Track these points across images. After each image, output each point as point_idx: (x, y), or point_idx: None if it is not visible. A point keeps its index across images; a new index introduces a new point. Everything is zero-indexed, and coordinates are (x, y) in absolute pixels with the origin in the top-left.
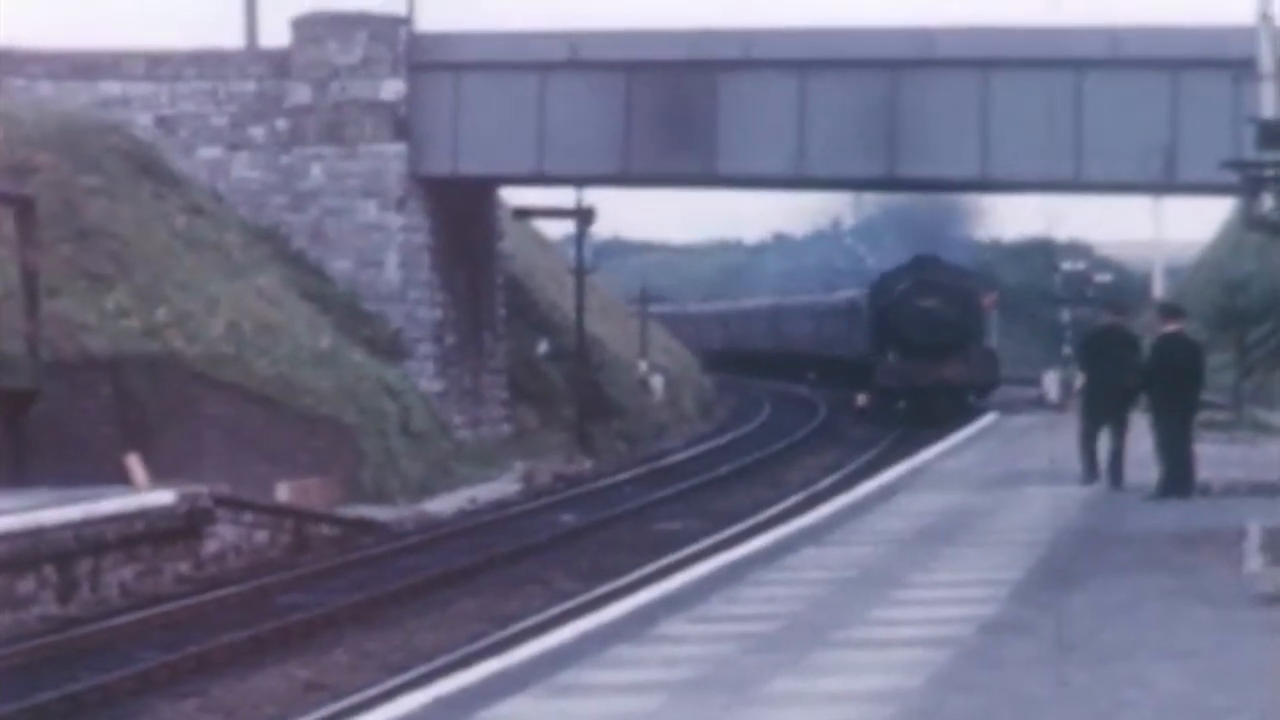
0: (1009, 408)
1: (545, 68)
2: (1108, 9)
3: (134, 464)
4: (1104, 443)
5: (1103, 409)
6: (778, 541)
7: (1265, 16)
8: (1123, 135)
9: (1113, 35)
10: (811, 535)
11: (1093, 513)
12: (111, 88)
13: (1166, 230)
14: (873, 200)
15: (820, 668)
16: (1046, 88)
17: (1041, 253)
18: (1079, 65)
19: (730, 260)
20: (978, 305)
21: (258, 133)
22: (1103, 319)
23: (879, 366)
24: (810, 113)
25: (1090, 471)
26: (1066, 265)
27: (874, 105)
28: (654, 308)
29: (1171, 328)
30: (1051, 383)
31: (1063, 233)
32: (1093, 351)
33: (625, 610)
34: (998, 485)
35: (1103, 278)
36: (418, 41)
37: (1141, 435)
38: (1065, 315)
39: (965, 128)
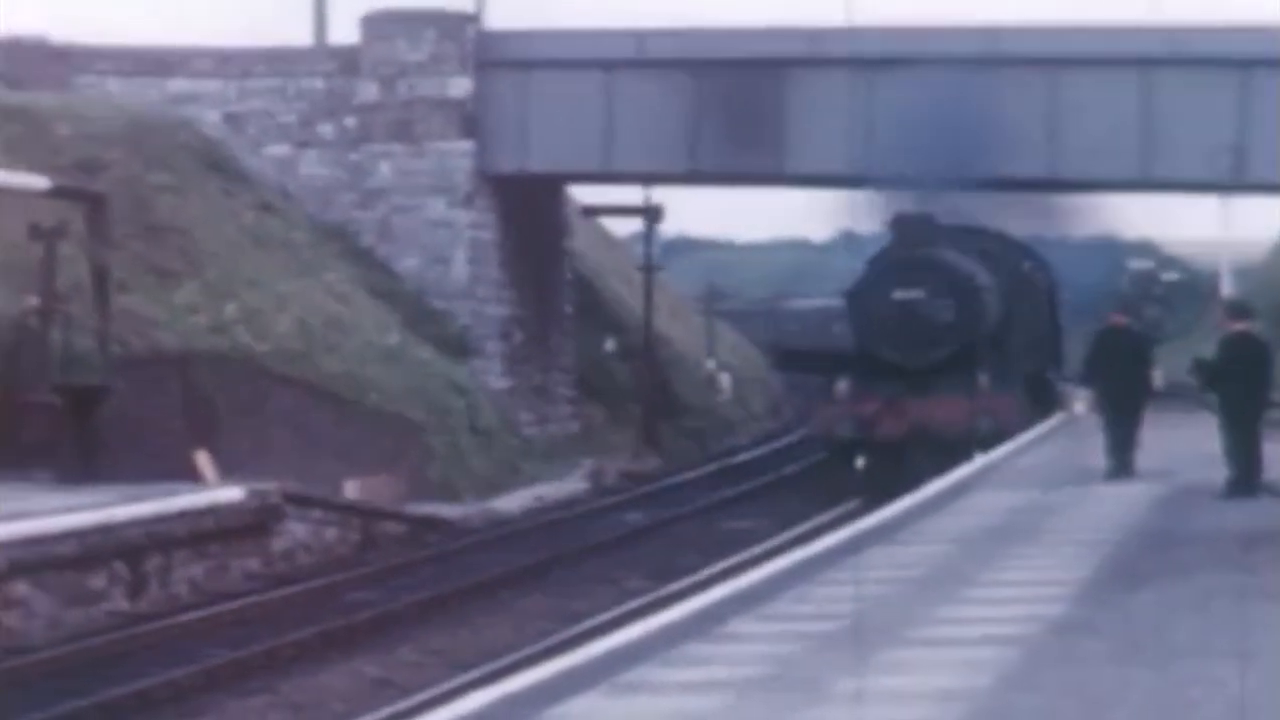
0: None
1: (612, 65)
2: (1177, 7)
3: (203, 460)
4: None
5: (1115, 405)
6: (847, 541)
7: None
8: (1191, 134)
9: (1180, 34)
10: (881, 534)
11: (1161, 512)
12: (180, 85)
13: (1234, 229)
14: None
15: (888, 666)
16: (1114, 86)
17: (1109, 251)
18: (1147, 63)
19: (798, 258)
20: (1029, 294)
21: (326, 130)
22: (1109, 319)
23: (820, 403)
24: (878, 110)
25: (1112, 467)
26: (1134, 264)
27: (942, 104)
28: (721, 306)
29: (1239, 327)
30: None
31: (1130, 231)
32: (1101, 351)
33: (694, 608)
34: (1067, 483)
35: (1170, 276)
36: (486, 39)
37: (1212, 434)
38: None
39: (1033, 126)
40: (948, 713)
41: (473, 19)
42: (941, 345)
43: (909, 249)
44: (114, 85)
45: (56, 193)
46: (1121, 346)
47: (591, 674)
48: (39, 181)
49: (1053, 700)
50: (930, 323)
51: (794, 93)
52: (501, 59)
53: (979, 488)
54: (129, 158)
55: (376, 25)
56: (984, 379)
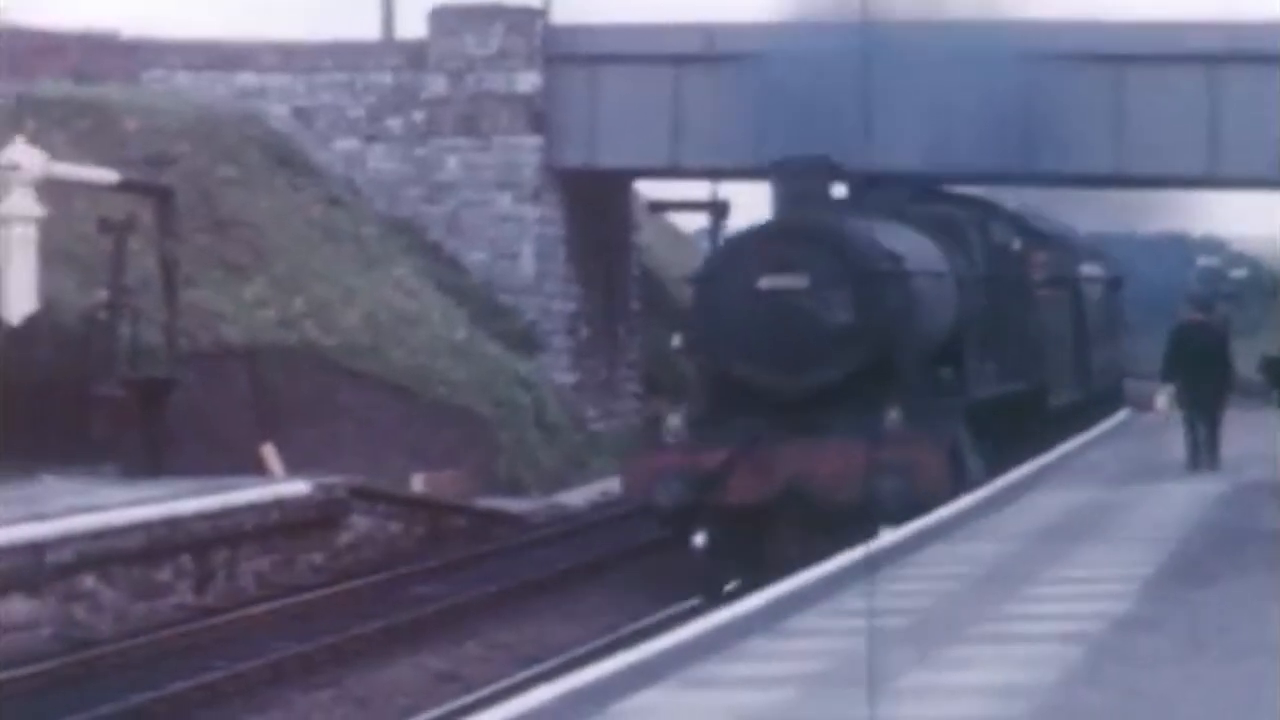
0: (1143, 403)
1: (681, 60)
2: (1243, 3)
3: (269, 454)
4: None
5: (1194, 401)
6: (910, 537)
7: None
8: (1256, 130)
9: (1245, 30)
10: (943, 531)
11: (1227, 509)
12: (249, 79)
13: None
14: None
15: (952, 662)
16: (1180, 83)
17: (1177, 247)
18: (1212, 60)
19: None
20: (1019, 288)
21: (394, 124)
22: (1186, 314)
23: (640, 449)
24: (947, 105)
25: (1193, 460)
26: (1202, 260)
27: (1011, 100)
28: None
29: None
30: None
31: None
32: (1179, 347)
33: (758, 604)
34: (1131, 480)
35: (1238, 273)
36: (554, 34)
37: None
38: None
39: (1100, 123)
40: (1012, 709)
41: (540, 13)
42: (831, 361)
43: (792, 213)
44: (183, 79)
45: (125, 186)
46: (1199, 342)
47: (657, 669)
48: (108, 175)
49: (1117, 697)
50: (815, 326)
51: (862, 87)
52: (570, 53)
53: (1043, 485)
54: (197, 152)
55: (444, 19)
56: (894, 415)
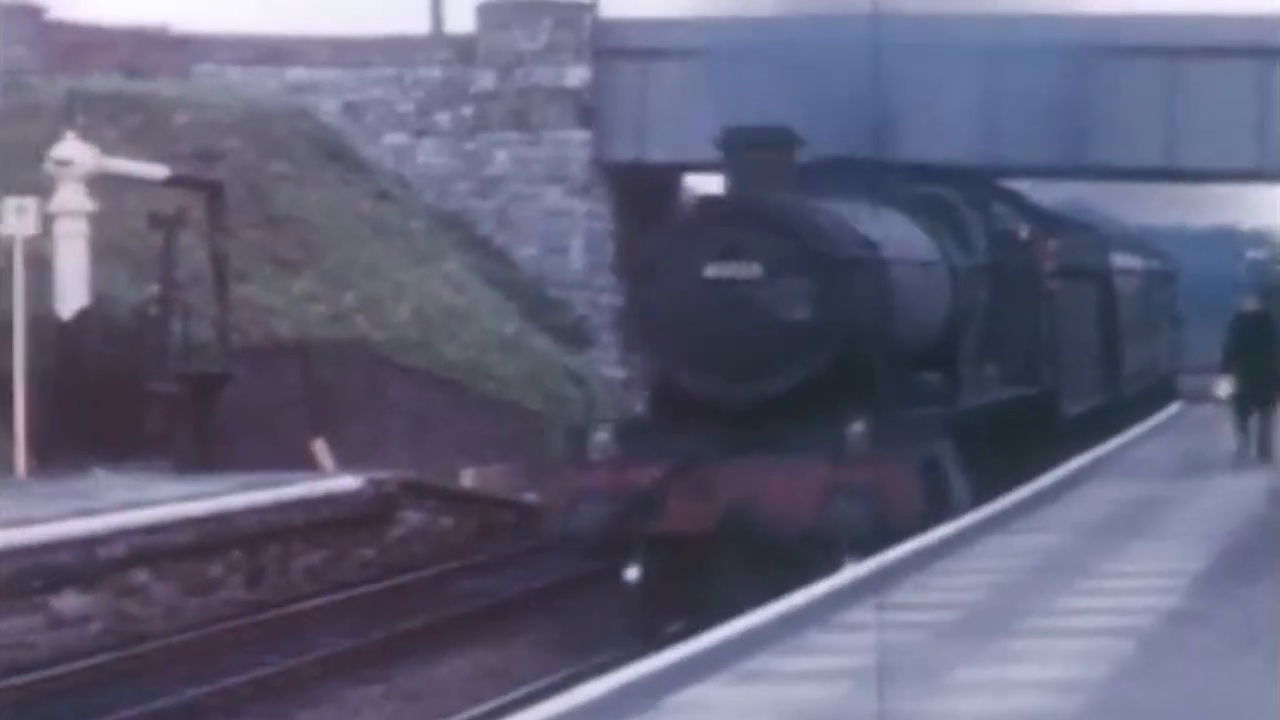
0: (1196, 396)
1: (730, 54)
2: None
3: (320, 449)
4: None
5: (1248, 392)
6: (963, 530)
7: None
8: None
9: None
10: (997, 524)
11: (1278, 504)
12: (299, 74)
13: None
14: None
15: (1005, 656)
16: (1230, 76)
17: (1226, 241)
18: (1262, 53)
19: None
20: (1026, 280)
21: (443, 119)
22: (1246, 304)
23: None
24: (997, 99)
25: (1242, 454)
26: (1250, 253)
27: (1061, 92)
28: None
29: None
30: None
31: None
32: (1237, 336)
33: (812, 596)
34: (1183, 474)
35: None
36: (603, 27)
37: None
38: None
39: (1151, 116)
40: (1065, 703)
41: (589, 7)
42: (786, 364)
43: (745, 191)
44: (234, 74)
45: (175, 181)
46: (1256, 333)
47: (710, 662)
48: (159, 170)
49: (1169, 692)
50: (767, 323)
51: (913, 79)
52: (619, 48)
53: (1095, 478)
54: (247, 147)
55: (493, 14)
56: (858, 429)
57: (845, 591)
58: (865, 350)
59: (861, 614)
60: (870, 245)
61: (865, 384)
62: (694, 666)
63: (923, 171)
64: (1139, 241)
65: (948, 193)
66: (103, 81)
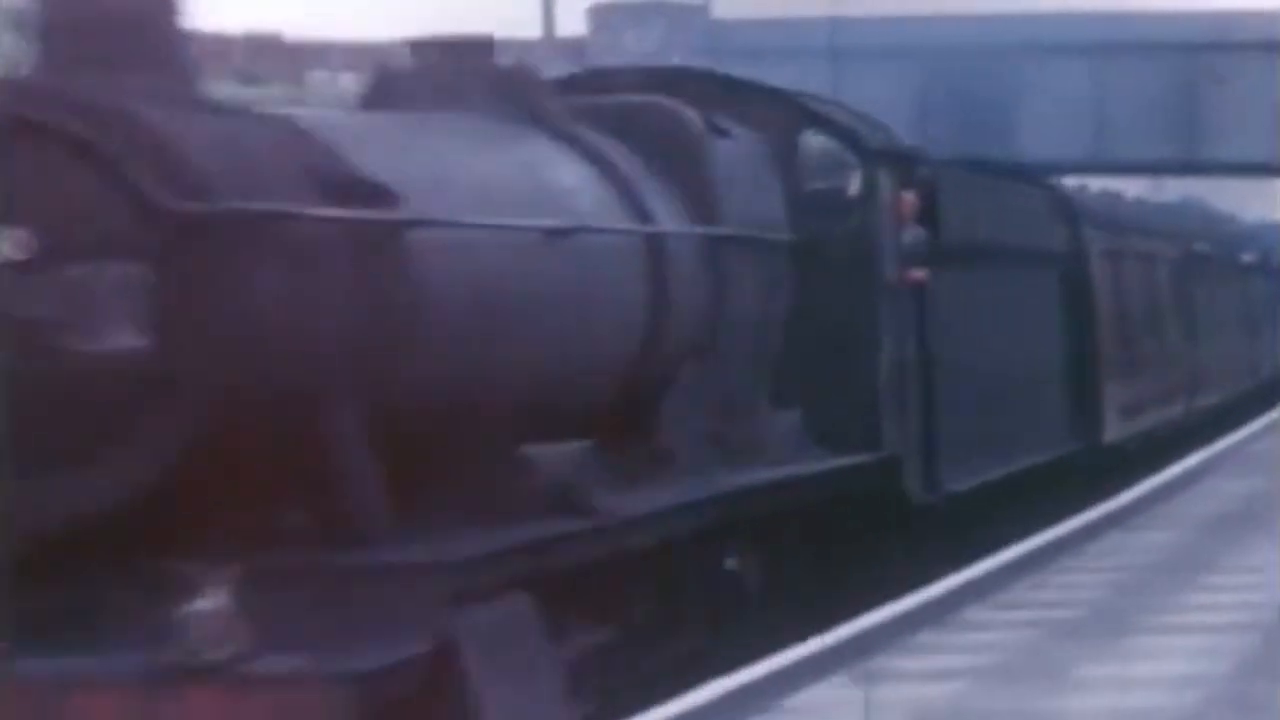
0: None
1: (841, 54)
2: None
3: None
4: None
5: None
6: (1082, 527)
7: None
8: None
9: None
10: (1117, 520)
11: None
12: None
13: None
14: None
15: (1127, 653)
16: None
17: None
18: None
19: None
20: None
21: None
22: None
23: None
24: (1107, 97)
25: None
26: None
27: (1171, 89)
28: None
29: None
30: None
31: None
32: None
33: (929, 597)
34: None
35: None
36: (715, 28)
37: None
38: None
39: (1261, 111)
40: (1186, 700)
41: (701, 8)
42: (111, 446)
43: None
44: (346, 80)
45: None
46: None
47: (828, 662)
48: None
49: None
50: (58, 363)
51: (1023, 80)
52: (730, 48)
53: (1214, 473)
54: None
55: (604, 16)
56: (216, 597)
57: (962, 591)
58: (306, 410)
59: (978, 613)
60: (376, 193)
61: (311, 480)
62: (812, 667)
63: (647, 72)
64: (1167, 215)
65: (667, 110)
66: (217, 88)
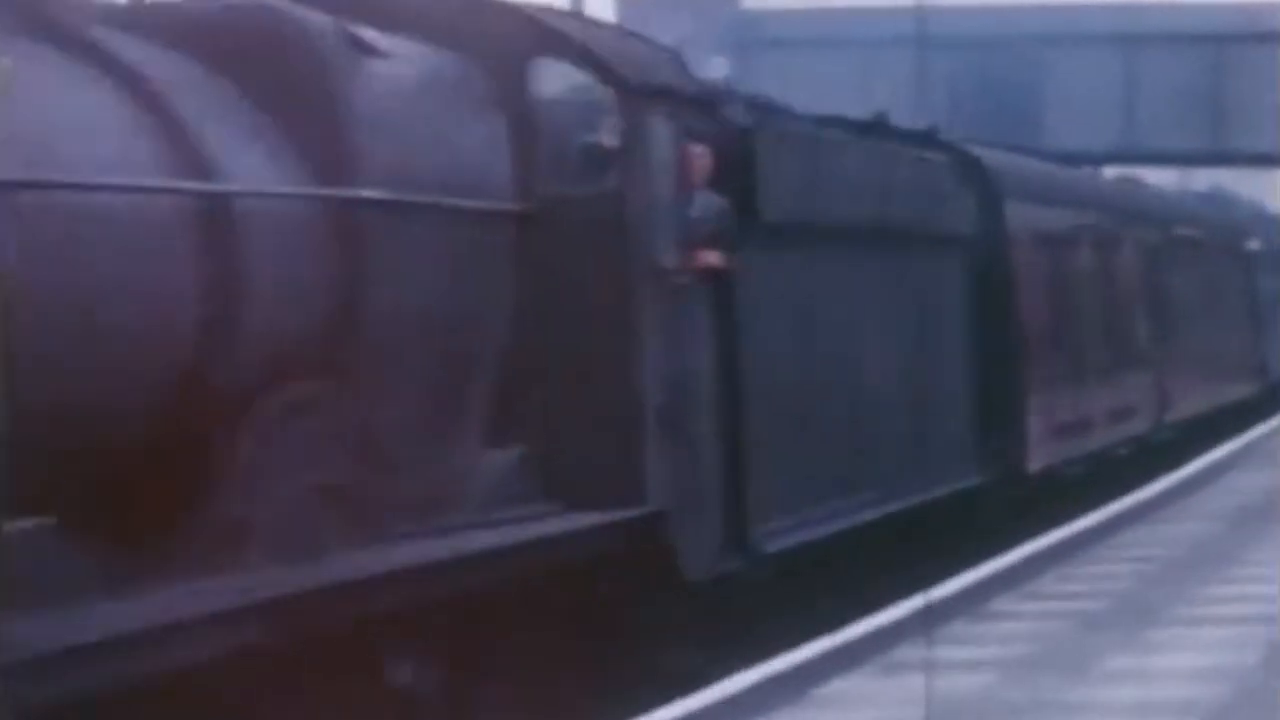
0: None
1: (872, 44)
2: None
3: None
4: None
5: None
6: (1108, 520)
7: None
8: None
9: None
10: (1141, 514)
11: None
12: None
13: None
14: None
15: (1153, 645)
16: None
17: None
18: None
19: None
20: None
21: None
22: None
23: None
24: (1137, 87)
25: None
26: None
27: (1202, 79)
28: None
29: None
30: None
31: None
32: None
33: (957, 588)
34: None
35: None
36: (743, 18)
37: None
38: None
39: None
40: (1214, 692)
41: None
42: None
43: None
44: None
45: None
46: None
47: (856, 654)
48: None
49: None
50: None
51: (1051, 70)
52: (759, 38)
53: (1239, 467)
54: None
55: (632, 5)
56: None
57: (989, 582)
58: None
59: (1006, 604)
60: None
61: None
62: (840, 658)
63: None
64: (1140, 194)
65: (279, 18)
66: None
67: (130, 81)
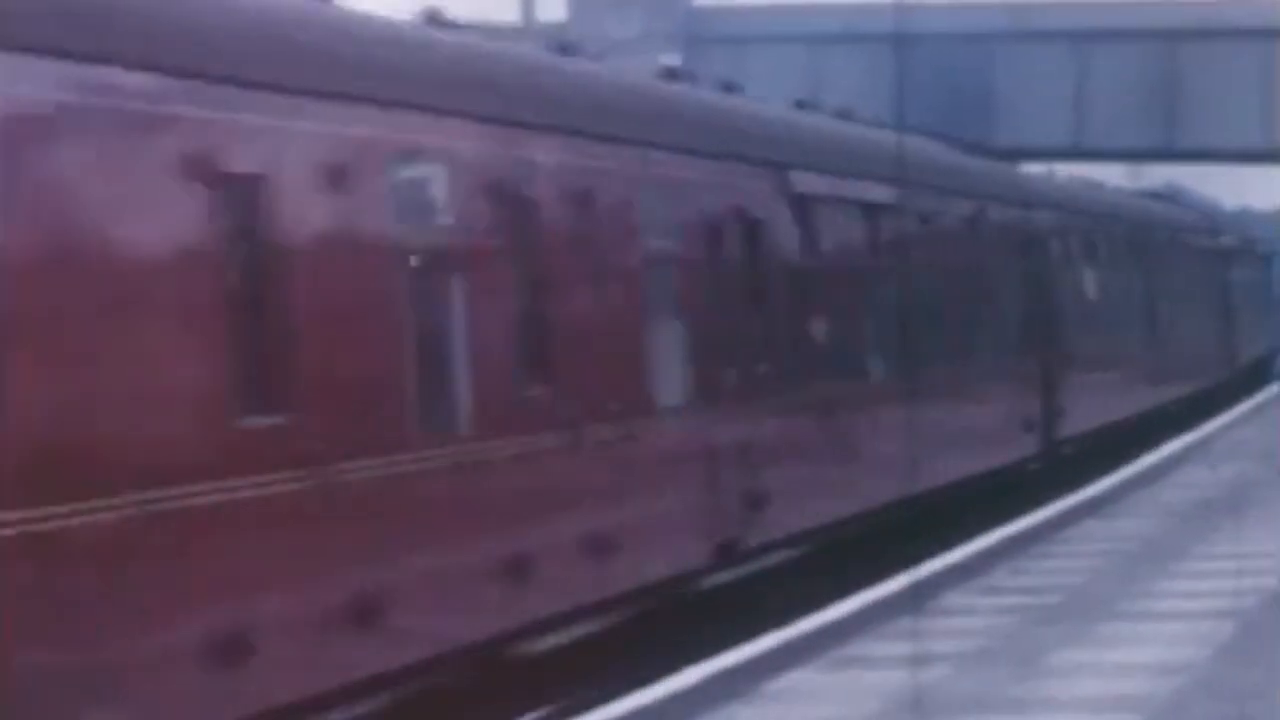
0: None
1: (820, 41)
2: None
3: None
4: None
5: None
6: (1060, 514)
7: None
8: None
9: None
10: (1094, 508)
11: None
12: None
13: None
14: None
15: (1106, 639)
16: None
17: None
18: None
19: None
20: None
21: None
22: None
23: None
24: (1088, 84)
25: None
26: None
27: (1153, 76)
28: None
29: None
30: None
31: None
32: None
33: (907, 582)
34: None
35: None
36: (695, 15)
37: None
38: None
39: (1247, 98)
40: (1166, 686)
41: None
42: None
43: None
44: None
45: None
46: None
47: (807, 648)
48: None
49: (1272, 673)
50: None
51: (1002, 67)
52: (712, 34)
53: (1192, 461)
54: None
55: (585, 2)
56: None
57: (940, 577)
58: None
59: (957, 598)
60: None
61: None
62: (791, 652)
63: None
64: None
65: None
66: None
67: None
